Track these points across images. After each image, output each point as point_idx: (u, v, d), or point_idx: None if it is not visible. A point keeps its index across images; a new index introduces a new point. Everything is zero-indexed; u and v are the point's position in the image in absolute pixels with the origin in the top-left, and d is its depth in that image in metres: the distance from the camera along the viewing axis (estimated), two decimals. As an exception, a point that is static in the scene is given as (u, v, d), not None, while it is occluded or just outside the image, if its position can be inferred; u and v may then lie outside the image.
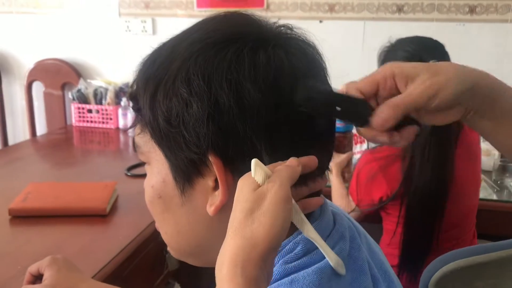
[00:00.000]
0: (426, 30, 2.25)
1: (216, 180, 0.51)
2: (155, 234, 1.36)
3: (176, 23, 2.51)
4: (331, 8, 2.34)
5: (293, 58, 0.52)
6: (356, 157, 1.79)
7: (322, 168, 0.56)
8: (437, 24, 2.25)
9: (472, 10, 2.21)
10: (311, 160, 0.50)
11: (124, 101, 2.38)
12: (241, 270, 0.41)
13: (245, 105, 0.48)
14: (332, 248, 0.53)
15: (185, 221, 0.54)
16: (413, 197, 1.42)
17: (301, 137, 0.52)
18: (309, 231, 0.49)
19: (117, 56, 2.63)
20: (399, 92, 0.52)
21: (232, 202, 0.47)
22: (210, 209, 0.51)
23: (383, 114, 0.51)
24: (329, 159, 0.58)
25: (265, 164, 0.49)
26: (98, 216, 1.36)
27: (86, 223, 1.33)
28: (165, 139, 0.51)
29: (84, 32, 2.65)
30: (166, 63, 0.52)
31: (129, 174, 1.74)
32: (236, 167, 0.50)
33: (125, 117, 2.36)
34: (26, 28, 2.72)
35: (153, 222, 1.44)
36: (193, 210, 0.53)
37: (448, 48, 1.55)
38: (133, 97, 0.55)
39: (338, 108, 0.51)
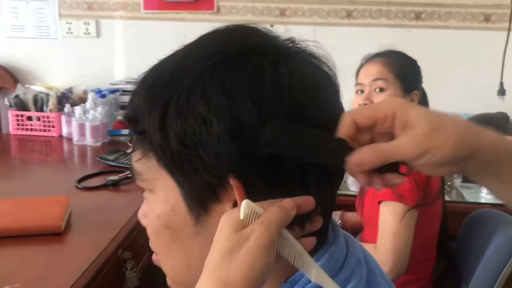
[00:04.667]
0: (374, 35, 2.31)
1: (234, 205, 0.47)
2: (116, 251, 1.29)
3: (121, 26, 2.42)
4: (282, 12, 2.34)
5: (312, 72, 0.49)
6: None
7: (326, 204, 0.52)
8: (385, 29, 2.30)
9: (417, 16, 2.28)
10: (307, 201, 0.46)
11: (67, 107, 2.25)
12: None
13: (268, 121, 0.45)
14: (351, 274, 0.51)
15: (198, 252, 0.50)
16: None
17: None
18: (318, 275, 0.45)
19: (58, 60, 2.49)
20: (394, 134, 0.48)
21: None
22: None
23: (363, 156, 0.46)
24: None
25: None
26: (53, 235, 1.26)
27: (40, 243, 1.22)
28: (178, 163, 0.47)
29: (21, 34, 2.48)
30: (174, 80, 0.47)
31: (80, 186, 1.63)
32: (255, 190, 0.46)
33: (69, 124, 2.23)
34: (-47, 29, 2.52)
35: (114, 239, 1.35)
36: (208, 239, 0.49)
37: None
38: (132, 119, 0.50)
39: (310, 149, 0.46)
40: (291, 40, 0.53)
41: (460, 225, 1.55)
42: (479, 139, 0.48)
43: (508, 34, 2.01)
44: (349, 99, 1.98)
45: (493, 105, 2.09)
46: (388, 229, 1.30)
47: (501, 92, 2.01)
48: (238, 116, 0.45)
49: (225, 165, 0.45)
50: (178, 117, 0.46)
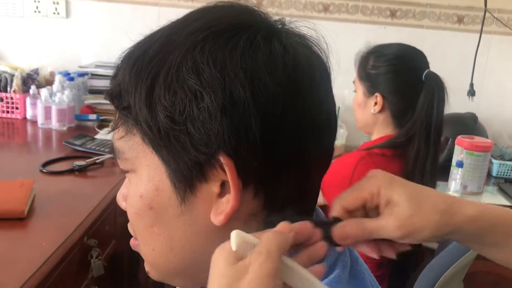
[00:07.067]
0: (349, 31, 2.32)
1: (221, 185, 0.45)
2: (81, 238, 1.24)
3: (93, 7, 2.33)
4: (259, 4, 2.31)
5: (306, 52, 0.48)
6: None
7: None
8: (360, 25, 2.31)
9: (393, 14, 2.30)
10: (304, 227, 0.44)
11: (33, 89, 2.16)
12: None
13: (261, 97, 0.43)
14: (335, 262, 0.50)
15: (181, 234, 0.48)
16: None
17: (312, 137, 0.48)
18: None
19: (24, 39, 2.39)
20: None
21: (242, 210, 0.44)
22: (218, 218, 0.45)
23: (346, 229, 0.48)
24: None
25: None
26: (15, 220, 1.21)
27: (1, 228, 1.17)
28: (165, 140, 0.44)
29: (-16, 10, 2.37)
30: (162, 54, 0.45)
31: (45, 170, 1.57)
32: (246, 170, 0.44)
33: (34, 106, 2.15)
34: None
35: (79, 226, 1.31)
36: (192, 221, 0.47)
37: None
38: (116, 94, 0.47)
39: None
40: (281, 21, 0.51)
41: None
42: (459, 217, 0.51)
43: (480, 36, 2.05)
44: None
45: (462, 106, 2.12)
46: None
47: (471, 92, 2.05)
48: (230, 91, 0.43)
49: (216, 142, 0.43)
50: (166, 91, 0.43)
